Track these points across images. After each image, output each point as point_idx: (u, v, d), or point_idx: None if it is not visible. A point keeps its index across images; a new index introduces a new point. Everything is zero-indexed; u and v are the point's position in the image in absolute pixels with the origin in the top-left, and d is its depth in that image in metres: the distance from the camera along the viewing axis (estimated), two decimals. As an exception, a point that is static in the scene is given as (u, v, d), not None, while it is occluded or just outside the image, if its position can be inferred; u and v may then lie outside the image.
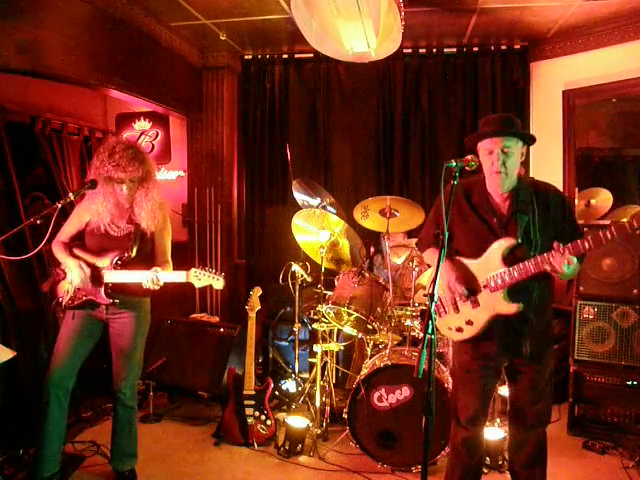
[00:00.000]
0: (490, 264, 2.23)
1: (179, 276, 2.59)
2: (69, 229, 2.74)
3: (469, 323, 2.31)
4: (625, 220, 1.96)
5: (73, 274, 2.62)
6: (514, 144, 2.18)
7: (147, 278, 2.54)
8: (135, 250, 2.67)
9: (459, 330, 2.35)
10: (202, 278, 2.57)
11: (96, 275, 2.63)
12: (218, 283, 2.59)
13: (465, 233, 2.34)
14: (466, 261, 2.33)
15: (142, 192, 2.69)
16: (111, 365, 2.79)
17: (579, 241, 2.02)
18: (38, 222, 2.62)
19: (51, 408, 2.61)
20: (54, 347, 2.72)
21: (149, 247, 2.76)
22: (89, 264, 2.63)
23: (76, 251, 2.71)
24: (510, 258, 2.19)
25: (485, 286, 2.26)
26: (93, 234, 2.69)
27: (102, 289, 2.63)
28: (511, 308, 2.19)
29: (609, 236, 1.97)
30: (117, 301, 2.64)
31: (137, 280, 2.58)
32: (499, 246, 2.21)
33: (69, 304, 2.67)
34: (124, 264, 2.64)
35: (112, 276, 2.62)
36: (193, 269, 2.58)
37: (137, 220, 2.70)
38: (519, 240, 2.17)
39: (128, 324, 2.73)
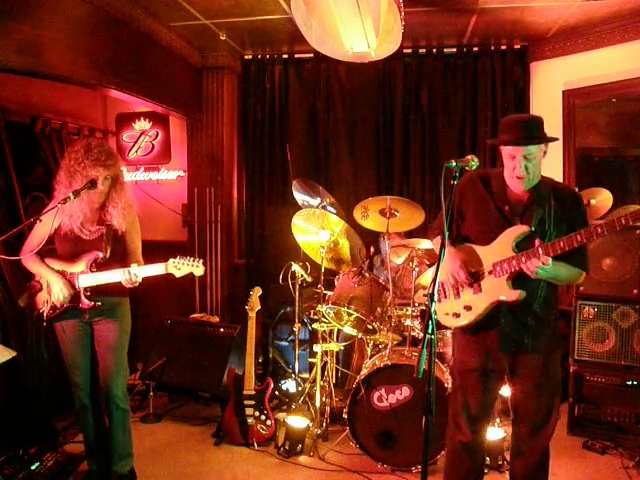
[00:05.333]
0: (500, 250, 2.21)
1: (158, 269, 2.58)
2: (37, 240, 2.62)
3: (467, 308, 2.29)
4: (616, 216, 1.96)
5: (55, 292, 2.60)
6: (537, 149, 2.16)
7: (123, 276, 2.54)
8: (109, 251, 2.67)
9: (456, 316, 2.32)
10: (182, 267, 2.57)
11: (74, 282, 2.63)
12: (198, 270, 2.59)
13: (478, 219, 2.32)
14: (474, 246, 2.31)
15: (115, 190, 2.70)
16: (97, 370, 2.78)
17: (557, 241, 2.04)
18: (38, 222, 2.63)
19: (83, 414, 2.81)
20: (64, 361, 2.79)
21: (122, 247, 2.75)
22: (65, 275, 2.63)
23: (48, 261, 2.69)
24: (522, 247, 2.17)
25: (490, 272, 2.23)
26: (66, 238, 2.66)
27: (82, 294, 2.62)
28: (513, 294, 2.16)
29: (584, 237, 1.99)
30: (99, 303, 2.64)
31: (116, 279, 2.58)
32: (511, 232, 2.20)
33: (50, 314, 2.66)
34: (100, 266, 2.63)
35: (90, 279, 2.62)
36: (171, 259, 2.57)
37: (108, 220, 2.69)
38: (532, 229, 2.17)
39: (111, 325, 2.73)
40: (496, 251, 2.23)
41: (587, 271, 2.23)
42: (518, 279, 2.18)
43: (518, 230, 2.19)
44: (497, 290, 2.21)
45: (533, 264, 2.05)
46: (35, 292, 2.71)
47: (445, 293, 2.38)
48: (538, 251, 2.05)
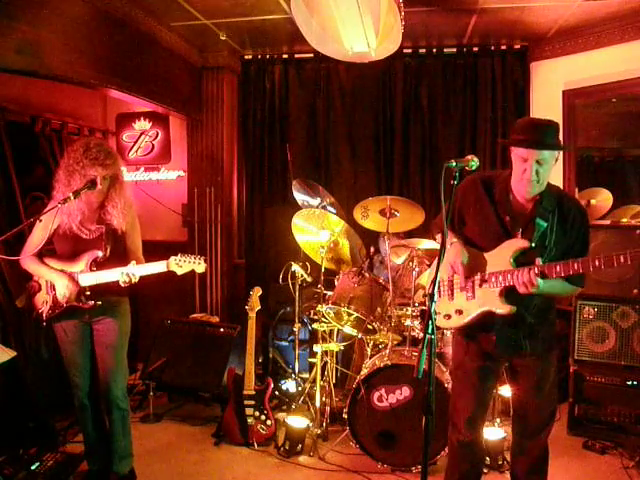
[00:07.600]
0: (498, 261, 2.20)
1: (160, 266, 2.59)
2: (36, 241, 2.63)
3: (458, 312, 2.29)
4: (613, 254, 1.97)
5: (60, 289, 2.59)
6: (550, 155, 2.10)
7: (121, 277, 2.54)
8: (109, 250, 2.67)
9: (447, 317, 2.34)
10: (183, 265, 2.57)
11: (74, 281, 2.62)
12: (200, 267, 2.61)
13: (479, 225, 2.31)
14: (477, 250, 2.30)
15: (114, 190, 2.70)
16: (97, 370, 2.78)
17: (553, 265, 2.04)
18: (38, 222, 2.63)
19: (83, 414, 2.82)
20: (63, 361, 2.79)
21: (122, 246, 2.75)
22: (67, 273, 2.62)
23: (48, 260, 2.68)
24: (521, 260, 2.16)
25: (485, 280, 2.23)
26: (65, 238, 2.65)
27: (82, 293, 2.62)
28: (504, 309, 2.17)
29: (582, 267, 1.99)
30: (99, 303, 2.63)
31: (116, 278, 2.59)
32: (511, 246, 2.18)
33: (50, 314, 2.66)
34: (99, 265, 2.63)
35: (89, 278, 2.61)
36: (173, 257, 2.58)
37: (108, 219, 2.69)
38: (532, 244, 2.15)
39: (111, 324, 2.73)
40: (494, 261, 2.22)
41: (583, 286, 2.23)
42: (512, 290, 2.16)
43: (518, 244, 2.17)
44: (489, 301, 2.21)
45: (524, 284, 2.07)
46: (34, 292, 2.70)
47: (440, 291, 2.38)
48: (533, 271, 2.04)
